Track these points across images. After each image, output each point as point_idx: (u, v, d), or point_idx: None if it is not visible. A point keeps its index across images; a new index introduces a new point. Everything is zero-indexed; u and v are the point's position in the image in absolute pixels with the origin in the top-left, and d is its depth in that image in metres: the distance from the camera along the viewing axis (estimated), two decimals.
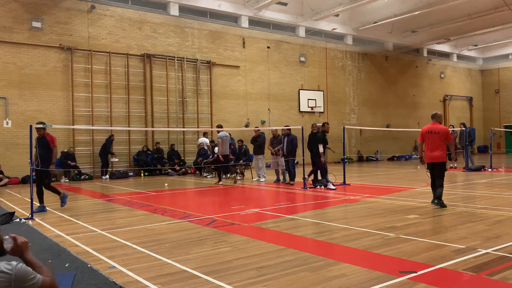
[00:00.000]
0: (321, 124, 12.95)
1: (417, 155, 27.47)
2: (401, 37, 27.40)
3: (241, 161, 15.47)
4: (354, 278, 4.01)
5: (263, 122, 21.66)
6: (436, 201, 8.02)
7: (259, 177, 14.71)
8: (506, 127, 30.77)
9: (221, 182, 13.75)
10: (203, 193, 11.84)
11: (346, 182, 12.55)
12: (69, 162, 16.00)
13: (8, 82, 15.56)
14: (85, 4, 17.19)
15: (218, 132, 14.24)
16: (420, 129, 8.69)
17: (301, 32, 23.54)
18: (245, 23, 21.36)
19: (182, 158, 18.98)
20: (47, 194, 8.92)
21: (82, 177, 16.28)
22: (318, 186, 11.89)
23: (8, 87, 15.57)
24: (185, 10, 19.80)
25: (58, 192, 8.95)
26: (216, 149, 16.66)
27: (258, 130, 15.07)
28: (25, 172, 15.04)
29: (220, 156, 13.75)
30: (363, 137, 26.05)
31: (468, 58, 33.39)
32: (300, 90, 23.35)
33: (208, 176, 16.78)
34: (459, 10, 22.66)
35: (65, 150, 16.22)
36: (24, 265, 2.11)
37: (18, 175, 15.25)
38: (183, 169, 18.33)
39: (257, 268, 4.40)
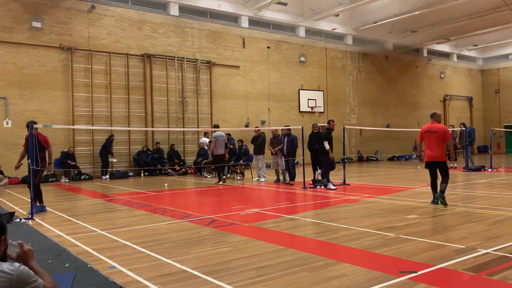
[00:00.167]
0: (320, 124, 12.97)
1: (416, 156, 27.48)
2: (401, 37, 27.40)
3: (241, 161, 15.47)
4: (354, 278, 4.01)
5: (263, 122, 21.66)
6: (439, 195, 8.11)
7: (259, 177, 14.72)
8: (506, 127, 30.77)
9: (221, 182, 13.77)
10: (203, 193, 11.84)
11: (346, 182, 12.55)
12: (69, 161, 16.00)
13: (8, 82, 15.56)
14: (85, 4, 17.19)
15: (214, 132, 14.39)
16: (419, 129, 8.73)
17: (301, 32, 23.54)
18: (245, 23, 21.36)
19: (182, 158, 18.98)
20: (47, 194, 8.92)
21: (82, 177, 16.28)
22: (318, 186, 11.89)
23: (8, 87, 15.57)
24: (185, 10, 19.80)
25: (40, 200, 8.58)
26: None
27: (258, 130, 15.08)
28: (25, 172, 14.94)
29: (210, 155, 13.99)
30: (363, 137, 26.05)
31: (468, 58, 33.39)
32: (300, 90, 23.35)
33: (208, 176, 16.79)
34: (459, 10, 22.66)
35: (65, 150, 16.22)
36: (27, 268, 2.12)
37: (18, 175, 15.24)
38: (183, 169, 18.33)
39: (257, 268, 4.40)
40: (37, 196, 8.56)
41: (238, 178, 15.54)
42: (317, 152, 13.02)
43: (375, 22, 23.81)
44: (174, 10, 19.34)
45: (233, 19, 21.37)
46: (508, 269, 4.16)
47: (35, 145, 8.32)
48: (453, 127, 19.23)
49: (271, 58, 22.36)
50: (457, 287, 3.85)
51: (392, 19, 22.91)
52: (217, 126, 15.35)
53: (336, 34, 25.07)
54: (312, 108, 23.60)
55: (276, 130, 14.49)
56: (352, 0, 20.48)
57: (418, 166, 19.53)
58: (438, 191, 8.19)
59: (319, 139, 12.55)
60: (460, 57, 32.80)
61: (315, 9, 22.38)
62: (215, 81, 20.35)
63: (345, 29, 25.17)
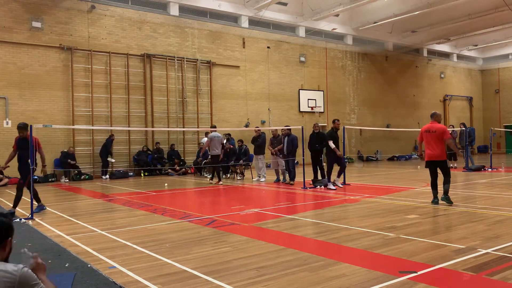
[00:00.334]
0: (321, 124, 12.94)
1: (417, 155, 27.51)
2: (401, 37, 27.40)
3: (241, 161, 15.47)
4: (354, 278, 4.01)
5: (263, 122, 21.66)
6: (443, 196, 8.25)
7: (259, 177, 14.72)
8: (506, 127, 30.77)
9: (221, 182, 13.80)
10: (203, 193, 11.84)
11: (346, 182, 12.54)
12: (69, 160, 15.99)
13: (8, 82, 15.56)
14: (85, 4, 17.19)
15: (211, 132, 14.60)
16: (420, 129, 8.81)
17: (301, 32, 23.54)
18: (245, 23, 21.36)
19: (182, 158, 18.98)
20: (47, 193, 8.92)
21: (82, 177, 16.28)
22: (318, 186, 11.89)
23: (8, 87, 15.57)
24: (185, 10, 19.80)
25: (38, 200, 8.51)
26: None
27: (259, 130, 15.10)
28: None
29: (201, 153, 14.37)
30: (363, 137, 26.05)
31: (468, 58, 33.39)
32: (300, 90, 23.35)
33: (208, 176, 16.77)
34: (459, 10, 22.66)
35: (65, 150, 16.22)
36: (30, 270, 2.13)
37: (18, 175, 15.20)
38: (183, 169, 18.33)
39: (257, 268, 4.40)
40: (20, 198, 8.38)
41: (238, 178, 15.54)
42: (318, 152, 13.03)
43: (375, 22, 23.81)
44: (174, 10, 19.34)
45: (233, 19, 21.37)
46: (508, 269, 4.16)
47: (26, 148, 8.15)
48: (453, 127, 19.23)
49: (271, 58, 22.35)
50: (457, 287, 3.85)
51: (392, 19, 22.91)
52: (214, 127, 15.61)
53: (336, 34, 25.07)
54: (312, 108, 23.60)
55: (276, 130, 14.50)
56: (352, 0, 20.48)
57: (418, 166, 19.53)
58: (442, 192, 8.31)
59: (320, 139, 12.55)
60: (460, 57, 32.79)
61: (315, 9, 22.38)
62: (215, 81, 20.35)
63: (345, 29, 25.17)
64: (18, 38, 15.77)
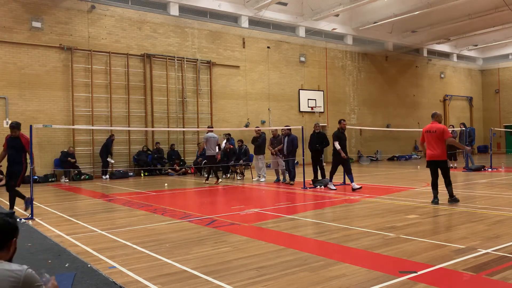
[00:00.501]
0: (321, 124, 12.88)
1: (417, 155, 27.53)
2: (401, 37, 27.40)
3: (241, 161, 15.48)
4: (354, 278, 4.01)
5: (263, 122, 21.66)
6: (449, 199, 8.44)
7: (259, 177, 14.72)
8: (506, 127, 30.77)
9: (220, 180, 13.94)
10: (203, 193, 11.84)
11: (346, 182, 12.54)
12: (69, 158, 15.98)
13: (8, 82, 15.55)
14: (85, 4, 17.18)
15: (207, 132, 14.76)
16: (420, 129, 8.89)
17: (301, 32, 23.53)
18: (245, 23, 21.36)
19: (182, 158, 18.98)
20: (47, 194, 8.91)
21: (82, 177, 16.28)
22: (318, 186, 11.89)
23: (8, 87, 15.56)
24: (185, 10, 19.80)
25: (22, 196, 8.24)
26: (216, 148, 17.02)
27: (259, 130, 15.12)
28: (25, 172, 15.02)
29: (199, 151, 14.46)
30: (363, 137, 26.04)
31: (468, 58, 33.39)
32: (300, 90, 23.35)
33: (205, 176, 16.77)
34: (459, 10, 22.65)
35: (65, 150, 16.22)
36: (33, 272, 2.16)
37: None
38: (183, 169, 18.33)
39: (257, 268, 4.40)
40: (16, 197, 8.21)
41: (238, 178, 15.54)
42: (318, 152, 13.04)
43: (375, 22, 23.81)
44: (174, 10, 19.34)
45: (233, 19, 21.37)
46: (508, 269, 4.16)
47: (16, 147, 7.98)
48: (453, 127, 19.23)
49: (271, 58, 22.35)
50: (457, 287, 3.85)
51: (392, 19, 22.91)
52: (211, 127, 15.88)
53: (336, 34, 25.07)
54: (312, 108, 23.60)
55: (276, 130, 14.51)
56: (352, 0, 20.48)
57: (418, 166, 19.53)
58: (448, 195, 8.48)
59: (321, 139, 12.53)
60: (460, 57, 32.79)
61: (315, 9, 22.38)
62: (215, 81, 20.35)
63: (345, 29, 25.16)
64: (18, 38, 15.77)
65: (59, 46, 16.52)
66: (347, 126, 13.53)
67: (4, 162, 8.32)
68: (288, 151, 12.96)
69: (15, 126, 8.10)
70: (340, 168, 11.58)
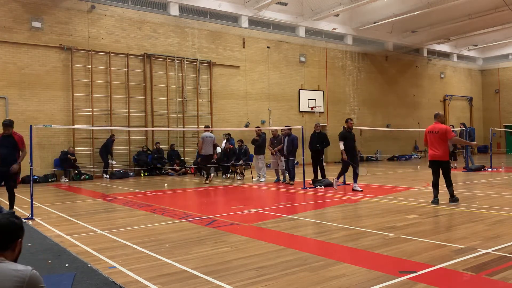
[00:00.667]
0: (322, 124, 12.83)
1: (417, 155, 27.53)
2: (401, 37, 27.40)
3: (241, 161, 15.48)
4: (354, 278, 4.01)
5: (263, 122, 21.66)
6: (450, 199, 8.49)
7: (259, 177, 14.72)
8: (506, 127, 30.77)
9: (207, 182, 14.10)
10: (203, 193, 11.84)
11: (346, 182, 12.54)
12: (69, 156, 15.97)
13: (8, 82, 15.55)
14: (85, 4, 17.18)
15: (204, 132, 14.89)
16: (420, 129, 8.92)
17: (301, 32, 23.53)
18: (245, 23, 21.36)
19: (182, 158, 18.98)
20: (47, 194, 8.90)
21: (82, 177, 16.28)
22: (318, 186, 11.89)
23: (8, 87, 15.56)
24: (185, 10, 19.80)
25: (13, 201, 8.09)
26: (218, 148, 17.08)
27: (259, 130, 15.14)
28: (25, 172, 15.00)
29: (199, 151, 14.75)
30: (363, 137, 26.02)
31: (468, 58, 33.38)
32: (300, 90, 23.35)
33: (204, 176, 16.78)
34: (459, 10, 22.65)
35: (65, 150, 16.22)
36: (37, 272, 2.18)
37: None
38: (183, 169, 18.33)
39: (257, 268, 4.40)
40: (15, 197, 8.11)
41: (238, 178, 15.54)
42: (318, 152, 13.04)
43: (375, 22, 23.81)
44: (174, 10, 19.34)
45: (233, 19, 21.37)
46: (508, 269, 4.16)
47: (9, 146, 7.79)
48: (453, 127, 19.22)
49: (271, 58, 22.35)
50: (457, 287, 3.85)
51: (392, 19, 22.91)
52: (207, 127, 15.94)
53: (336, 34, 25.07)
54: (312, 108, 23.60)
55: (276, 130, 14.51)
56: (352, 0, 20.48)
57: (418, 166, 19.54)
58: (449, 196, 8.53)
59: (321, 139, 12.50)
60: (460, 57, 32.79)
61: (315, 9, 22.38)
62: (215, 81, 20.34)
63: (345, 29, 25.16)
64: (18, 38, 15.77)
65: (59, 46, 16.52)
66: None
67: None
68: (288, 151, 12.95)
69: (8, 124, 7.87)
70: (339, 168, 11.56)
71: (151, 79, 18.53)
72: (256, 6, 20.79)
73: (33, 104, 16.00)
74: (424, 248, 5.07)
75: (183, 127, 19.09)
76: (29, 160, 8.09)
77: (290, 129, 13.44)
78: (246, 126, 20.55)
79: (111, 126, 17.21)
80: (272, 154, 13.92)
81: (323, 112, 24.16)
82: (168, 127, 18.70)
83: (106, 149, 16.80)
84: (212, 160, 14.99)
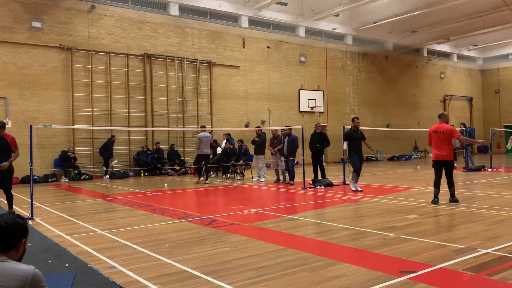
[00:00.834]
0: (322, 124, 12.81)
1: (417, 155, 27.52)
2: (401, 37, 27.39)
3: (241, 161, 15.48)
4: (354, 278, 4.01)
5: (263, 122, 21.66)
6: (450, 199, 8.50)
7: (259, 177, 14.72)
8: (506, 127, 30.76)
9: (202, 179, 14.20)
10: (203, 193, 11.84)
11: (346, 182, 12.54)
12: (69, 154, 15.96)
13: (8, 82, 15.55)
14: (85, 4, 17.18)
15: (200, 132, 14.94)
16: (420, 129, 8.91)
17: (301, 32, 23.53)
18: (245, 23, 21.36)
19: (182, 158, 18.98)
20: (47, 194, 8.90)
21: (82, 177, 16.28)
22: (318, 186, 11.89)
23: (8, 87, 15.56)
24: (185, 10, 19.80)
25: (12, 201, 8.07)
26: (218, 149, 17.16)
27: (260, 130, 15.15)
28: (25, 172, 15.03)
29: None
30: None
31: (468, 58, 33.38)
32: (300, 90, 23.35)
33: (211, 176, 16.79)
34: (459, 10, 22.65)
35: (65, 150, 16.23)
36: (39, 272, 2.21)
37: (18, 175, 15.20)
38: (183, 169, 18.33)
39: (257, 268, 4.40)
40: (13, 198, 8.06)
41: (238, 178, 15.54)
42: (319, 151, 13.04)
43: (375, 22, 23.81)
44: (174, 10, 19.34)
45: (233, 19, 21.37)
46: (508, 269, 4.16)
47: (7, 148, 7.68)
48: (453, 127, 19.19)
49: (271, 58, 22.35)
50: (457, 287, 3.85)
51: (392, 19, 22.91)
52: (203, 127, 16.01)
53: (336, 34, 25.07)
54: (312, 108, 23.60)
55: (276, 130, 14.51)
56: (352, 0, 20.48)
57: (418, 166, 19.54)
58: (449, 196, 8.53)
59: (321, 139, 12.48)
60: (460, 57, 32.79)
61: (315, 9, 22.38)
62: (215, 81, 20.34)
63: (345, 29, 25.16)
64: (18, 38, 15.77)
65: (59, 46, 16.52)
66: (347, 126, 13.47)
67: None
68: (288, 151, 12.96)
69: (1, 126, 7.73)
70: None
71: (151, 79, 18.53)
72: (256, 6, 20.79)
73: (33, 104, 16.00)
74: (424, 248, 5.07)
75: (183, 127, 19.09)
76: (29, 160, 8.10)
77: (290, 129, 13.44)
78: (246, 126, 20.55)
79: (111, 126, 17.21)
80: (272, 154, 13.92)
81: (323, 112, 24.16)
82: (168, 127, 18.70)
83: (106, 149, 16.79)
84: (213, 160, 15.00)
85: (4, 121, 10.21)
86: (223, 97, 20.58)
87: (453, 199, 8.47)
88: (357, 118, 11.46)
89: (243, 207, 8.62)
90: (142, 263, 4.71)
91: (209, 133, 18.57)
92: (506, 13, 21.64)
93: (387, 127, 26.05)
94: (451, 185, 8.47)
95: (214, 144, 17.24)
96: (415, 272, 4.14)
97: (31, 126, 8.28)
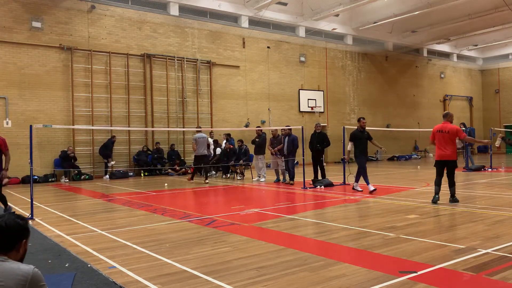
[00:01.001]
0: (322, 124, 12.81)
1: (417, 155, 27.51)
2: (401, 37, 27.39)
3: (241, 161, 15.48)
4: (354, 278, 4.01)
5: (263, 122, 21.66)
6: (450, 199, 8.50)
7: (259, 177, 14.72)
8: (506, 127, 30.76)
9: (207, 181, 14.29)
10: (203, 193, 11.84)
11: (346, 182, 12.54)
12: (68, 153, 15.95)
13: (8, 82, 15.55)
14: (85, 4, 17.18)
15: (196, 133, 15.07)
16: (420, 129, 8.90)
17: (301, 32, 23.53)
18: (245, 23, 21.36)
19: (182, 158, 18.98)
20: (47, 194, 8.90)
21: (82, 177, 16.28)
22: (318, 186, 11.89)
23: (8, 87, 15.56)
24: (185, 10, 19.80)
25: (5, 203, 8.02)
26: (218, 149, 17.14)
27: (260, 130, 15.15)
28: (25, 172, 15.05)
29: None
30: None
31: (468, 58, 33.38)
32: (300, 90, 23.35)
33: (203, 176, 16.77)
34: (459, 10, 22.65)
35: (65, 150, 16.23)
36: (39, 271, 2.22)
37: (18, 175, 15.24)
38: (183, 169, 18.33)
39: (257, 268, 4.40)
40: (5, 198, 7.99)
41: (238, 178, 15.54)
42: (319, 151, 13.04)
43: (375, 22, 23.80)
44: (174, 10, 19.34)
45: (233, 19, 21.37)
46: (508, 269, 4.16)
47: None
48: None
49: (271, 58, 22.35)
50: (457, 287, 3.85)
51: (392, 19, 22.90)
52: (199, 127, 16.23)
53: (336, 34, 25.06)
54: (312, 108, 23.59)
55: (276, 130, 14.51)
56: (352, 0, 20.47)
57: (418, 166, 19.53)
58: (450, 195, 8.53)
59: (321, 139, 12.47)
60: (460, 57, 32.79)
61: (315, 9, 22.38)
62: (215, 81, 20.34)
63: (345, 29, 25.16)
64: (18, 38, 15.77)
65: (59, 46, 16.52)
66: (347, 126, 13.50)
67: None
68: (289, 151, 12.96)
69: None
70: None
71: (151, 79, 18.52)
72: (256, 6, 20.79)
73: (33, 104, 16.00)
74: (424, 248, 5.07)
75: (183, 127, 19.09)
76: (29, 160, 8.10)
77: (290, 129, 13.44)
78: (246, 126, 20.55)
79: (111, 126, 17.21)
80: (272, 154, 13.92)
81: (323, 112, 24.15)
82: (168, 127, 18.70)
83: (106, 149, 16.79)
84: (212, 161, 15.01)
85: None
86: (223, 97, 20.58)
87: (453, 199, 8.48)
88: (363, 118, 11.36)
89: (243, 207, 8.62)
90: (142, 263, 4.71)
91: (210, 133, 18.68)
92: (506, 13, 21.64)
93: (387, 127, 26.05)
94: (452, 185, 8.47)
95: (214, 144, 17.26)
96: (415, 272, 4.14)
97: (31, 126, 8.28)
